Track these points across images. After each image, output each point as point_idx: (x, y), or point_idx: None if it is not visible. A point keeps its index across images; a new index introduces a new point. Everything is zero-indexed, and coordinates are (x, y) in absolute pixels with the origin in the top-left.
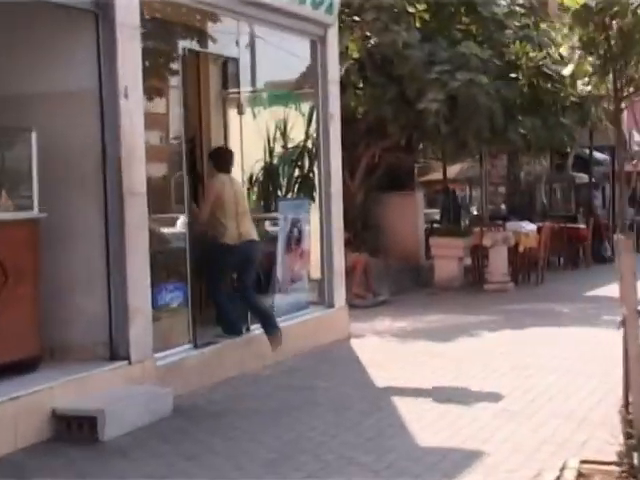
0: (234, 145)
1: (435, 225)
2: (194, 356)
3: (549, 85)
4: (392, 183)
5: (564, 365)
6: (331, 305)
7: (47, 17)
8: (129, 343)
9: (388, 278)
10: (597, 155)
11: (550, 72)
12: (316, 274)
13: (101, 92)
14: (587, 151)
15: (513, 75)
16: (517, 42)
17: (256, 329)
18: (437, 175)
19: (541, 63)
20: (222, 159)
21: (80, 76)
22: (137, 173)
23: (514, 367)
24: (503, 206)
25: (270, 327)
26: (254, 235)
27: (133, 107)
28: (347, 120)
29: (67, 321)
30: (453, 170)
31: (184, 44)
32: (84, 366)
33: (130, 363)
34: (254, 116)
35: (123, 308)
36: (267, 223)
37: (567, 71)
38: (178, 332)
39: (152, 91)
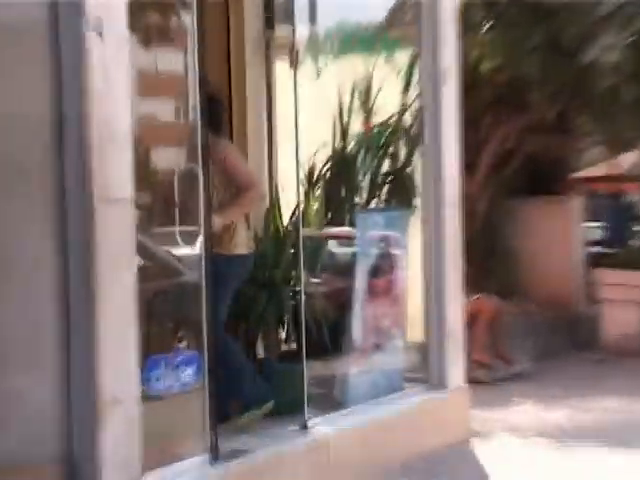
0: (285, 118)
1: (599, 250)
2: (214, 476)
3: None
4: (533, 183)
5: None
6: (442, 385)
7: None
8: (101, 458)
9: (528, 335)
10: None
11: None
12: (416, 333)
13: (56, 23)
14: None
15: None
16: None
17: (315, 424)
18: (596, 170)
19: None
20: (216, 115)
21: None
22: (118, 167)
23: None
24: None
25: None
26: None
27: (112, 53)
28: (465, 82)
29: None
30: (623, 162)
31: None
32: None
33: None
34: (317, 72)
35: (91, 398)
36: (335, 245)
37: None
38: (187, 436)
39: (145, 30)
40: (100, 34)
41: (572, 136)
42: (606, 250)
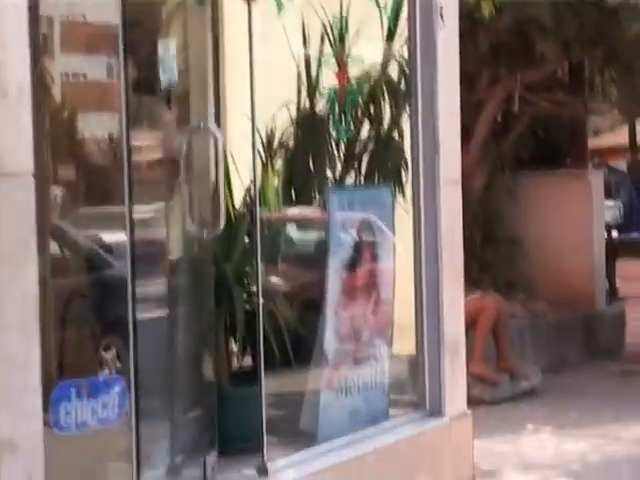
0: (236, 67)
1: (620, 236)
2: None
3: None
4: (541, 154)
5: None
6: (438, 411)
7: None
8: None
9: (538, 342)
10: None
11: None
12: (406, 343)
13: None
14: None
15: None
16: None
17: (278, 469)
18: (616, 137)
19: None
20: None
21: None
22: (11, 132)
23: None
24: None
25: None
26: None
27: None
28: (460, 29)
29: None
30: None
31: None
32: None
33: None
34: (278, 7)
35: None
36: (300, 230)
37: None
38: None
39: None
40: None
41: (589, 96)
42: (628, 236)
